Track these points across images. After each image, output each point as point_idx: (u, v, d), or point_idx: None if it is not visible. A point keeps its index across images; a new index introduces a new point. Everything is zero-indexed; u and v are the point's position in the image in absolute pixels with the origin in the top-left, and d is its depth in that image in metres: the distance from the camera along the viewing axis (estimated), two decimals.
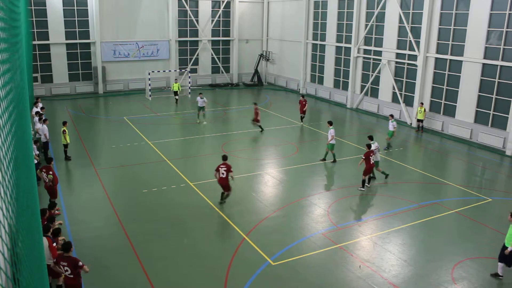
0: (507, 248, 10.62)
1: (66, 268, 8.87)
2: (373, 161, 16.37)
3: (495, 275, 11.03)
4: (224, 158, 15.15)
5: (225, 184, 14.71)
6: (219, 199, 15.06)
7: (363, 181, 16.40)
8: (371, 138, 17.62)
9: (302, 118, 26.13)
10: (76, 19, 33.08)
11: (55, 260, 9.14)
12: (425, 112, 24.87)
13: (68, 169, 18.32)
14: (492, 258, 11.41)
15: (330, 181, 17.64)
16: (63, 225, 13.12)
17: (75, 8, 32.85)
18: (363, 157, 16.27)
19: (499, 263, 10.93)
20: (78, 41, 33.45)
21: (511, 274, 11.11)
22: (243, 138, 23.29)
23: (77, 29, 33.28)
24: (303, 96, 27.03)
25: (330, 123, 19.93)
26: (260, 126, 24.25)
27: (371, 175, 16.97)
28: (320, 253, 12.10)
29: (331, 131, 19.23)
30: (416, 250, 12.39)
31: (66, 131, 18.72)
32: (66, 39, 33.04)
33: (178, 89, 31.30)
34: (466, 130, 23.36)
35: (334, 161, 19.38)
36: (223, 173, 14.55)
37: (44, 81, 32.95)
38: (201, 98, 25.54)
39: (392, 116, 21.86)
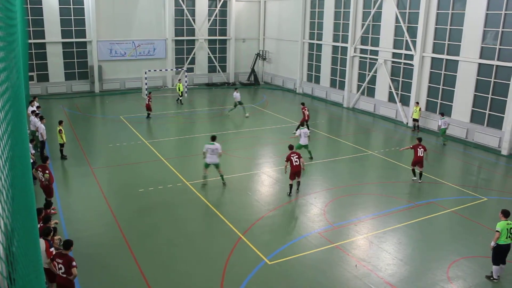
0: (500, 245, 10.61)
1: (60, 265, 8.79)
2: (420, 154, 16.75)
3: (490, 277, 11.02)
4: (291, 147, 16.02)
5: (299, 171, 15.45)
6: (288, 191, 15.66)
7: (413, 171, 17.22)
8: (213, 138, 16.11)
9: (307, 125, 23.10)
10: (72, 17, 32.95)
11: (52, 257, 9.09)
12: (420, 112, 24.94)
13: (64, 168, 18.27)
14: (487, 257, 11.44)
15: (326, 180, 17.66)
16: (59, 224, 13.09)
17: (72, 6, 32.72)
18: (411, 147, 17.24)
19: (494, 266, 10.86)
20: (74, 40, 33.32)
21: (508, 274, 11.17)
22: (239, 137, 23.29)
23: (73, 28, 33.17)
24: (303, 103, 24.12)
25: (298, 126, 20.71)
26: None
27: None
28: (316, 252, 12.12)
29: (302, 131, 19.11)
30: (412, 249, 12.43)
31: (62, 130, 18.68)
32: (62, 37, 32.91)
33: (183, 88, 31.30)
34: (462, 130, 23.45)
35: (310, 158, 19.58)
36: (296, 161, 15.30)
37: (40, 80, 32.82)
38: (237, 92, 27.41)
39: (442, 114, 23.04)
